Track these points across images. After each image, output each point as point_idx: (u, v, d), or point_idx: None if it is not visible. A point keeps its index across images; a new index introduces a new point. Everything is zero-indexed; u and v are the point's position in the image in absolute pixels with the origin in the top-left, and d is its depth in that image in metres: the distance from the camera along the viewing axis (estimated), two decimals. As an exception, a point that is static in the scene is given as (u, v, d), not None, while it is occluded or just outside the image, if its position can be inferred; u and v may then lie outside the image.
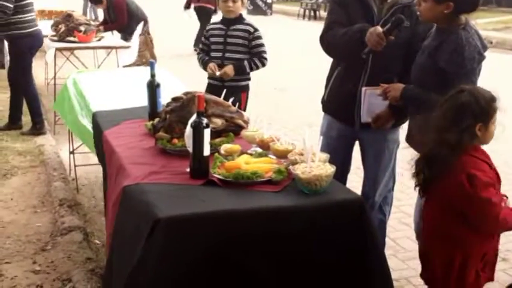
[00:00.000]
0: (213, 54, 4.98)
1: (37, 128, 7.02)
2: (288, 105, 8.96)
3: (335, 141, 3.83)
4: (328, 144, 3.67)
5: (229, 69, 4.83)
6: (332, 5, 3.86)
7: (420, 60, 3.36)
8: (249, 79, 5.05)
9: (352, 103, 3.71)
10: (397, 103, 3.47)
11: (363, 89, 3.65)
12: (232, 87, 4.67)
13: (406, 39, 3.59)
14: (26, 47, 6.82)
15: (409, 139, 3.55)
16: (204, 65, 5.00)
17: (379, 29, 3.41)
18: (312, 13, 21.78)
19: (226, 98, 3.59)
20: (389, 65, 3.63)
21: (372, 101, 3.63)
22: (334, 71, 3.83)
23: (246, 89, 5.06)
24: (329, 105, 3.92)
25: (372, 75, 3.61)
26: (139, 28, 8.47)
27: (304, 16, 21.68)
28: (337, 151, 3.66)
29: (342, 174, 3.75)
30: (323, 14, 21.13)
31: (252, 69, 4.95)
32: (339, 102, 3.81)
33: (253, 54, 4.95)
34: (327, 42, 3.75)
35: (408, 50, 3.57)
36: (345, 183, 3.84)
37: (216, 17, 5.23)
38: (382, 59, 3.57)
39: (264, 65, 4.98)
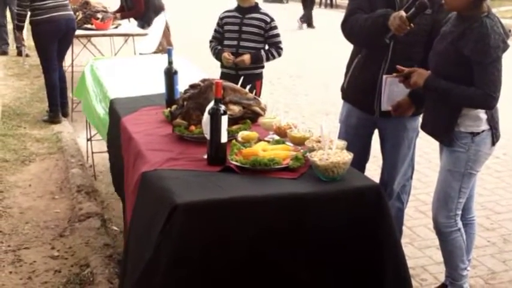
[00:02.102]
0: (227, 42, 4.98)
1: (51, 116, 7.04)
2: (303, 93, 8.94)
3: (354, 129, 3.83)
4: (347, 132, 3.71)
5: (246, 57, 4.84)
6: None
7: (440, 48, 3.32)
8: (263, 67, 5.06)
9: (372, 91, 3.69)
10: (413, 88, 3.45)
11: (384, 76, 3.62)
12: (247, 75, 4.68)
13: (428, 27, 3.56)
14: (43, 32, 6.81)
15: (424, 127, 3.53)
16: (217, 54, 4.99)
17: (403, 13, 3.38)
18: (329, 1, 21.67)
19: (242, 86, 3.59)
20: (410, 52, 3.60)
21: (392, 89, 3.61)
22: (355, 59, 3.80)
23: (260, 77, 5.07)
24: (349, 93, 3.90)
25: (392, 63, 3.57)
26: (159, 18, 8.48)
27: (320, 4, 21.56)
28: (356, 139, 3.68)
29: (360, 162, 3.76)
30: (339, 1, 21.00)
31: (268, 60, 4.95)
32: (359, 90, 3.79)
33: (270, 44, 4.95)
34: (348, 27, 3.70)
35: (429, 37, 3.53)
36: (363, 171, 3.83)
37: (231, 4, 5.19)
38: (403, 46, 3.56)
39: (280, 55, 4.99)
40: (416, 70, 3.40)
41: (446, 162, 3.41)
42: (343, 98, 3.96)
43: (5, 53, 10.56)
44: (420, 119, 3.76)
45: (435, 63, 3.34)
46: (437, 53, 3.34)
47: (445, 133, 3.35)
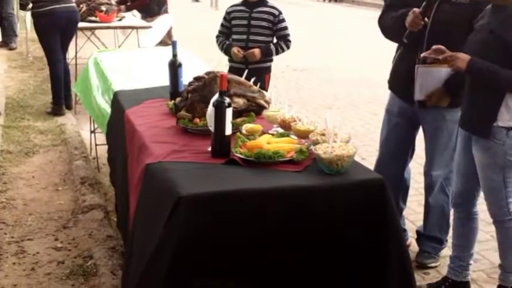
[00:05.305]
0: (235, 36, 4.96)
1: (54, 109, 7.04)
2: (307, 87, 8.93)
3: (395, 117, 3.93)
4: (390, 121, 3.92)
5: (257, 51, 4.83)
6: None
7: (478, 38, 3.27)
8: (271, 60, 5.05)
9: (410, 82, 3.70)
10: (458, 71, 3.35)
11: (416, 66, 3.63)
12: (256, 69, 4.68)
13: (465, 16, 3.53)
14: (44, 25, 6.82)
15: (463, 124, 3.45)
16: (225, 49, 4.98)
17: (417, 9, 3.45)
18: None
19: (248, 79, 3.59)
20: (446, 43, 3.48)
21: (425, 79, 3.60)
22: (398, 51, 3.90)
23: (269, 70, 5.07)
24: (392, 82, 3.98)
25: None
26: (166, 16, 8.47)
27: (325, -2, 21.53)
28: (397, 128, 3.88)
29: (402, 151, 3.94)
30: (344, -4, 20.98)
31: (277, 53, 4.95)
32: (398, 81, 3.87)
33: (278, 37, 4.94)
34: (381, 25, 3.89)
35: (466, 28, 3.46)
36: (404, 166, 3.99)
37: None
38: (438, 38, 3.52)
39: (288, 48, 4.99)
40: (455, 54, 3.28)
41: (483, 157, 3.34)
42: (388, 88, 4.03)
43: (13, 48, 10.54)
44: None
45: (474, 52, 3.24)
46: (475, 43, 3.27)
47: (485, 124, 3.26)
